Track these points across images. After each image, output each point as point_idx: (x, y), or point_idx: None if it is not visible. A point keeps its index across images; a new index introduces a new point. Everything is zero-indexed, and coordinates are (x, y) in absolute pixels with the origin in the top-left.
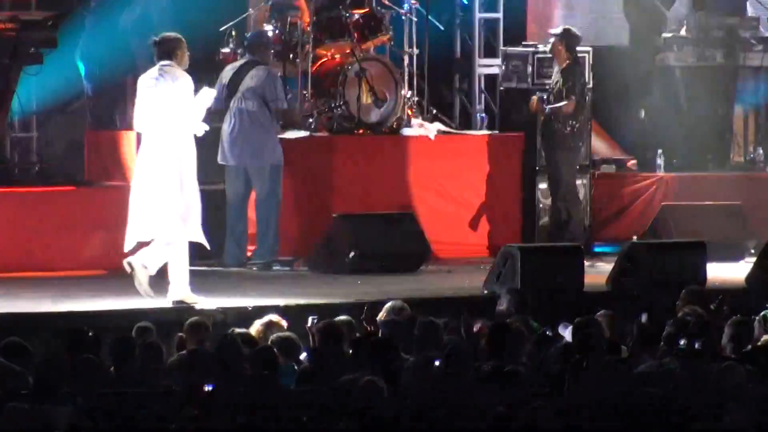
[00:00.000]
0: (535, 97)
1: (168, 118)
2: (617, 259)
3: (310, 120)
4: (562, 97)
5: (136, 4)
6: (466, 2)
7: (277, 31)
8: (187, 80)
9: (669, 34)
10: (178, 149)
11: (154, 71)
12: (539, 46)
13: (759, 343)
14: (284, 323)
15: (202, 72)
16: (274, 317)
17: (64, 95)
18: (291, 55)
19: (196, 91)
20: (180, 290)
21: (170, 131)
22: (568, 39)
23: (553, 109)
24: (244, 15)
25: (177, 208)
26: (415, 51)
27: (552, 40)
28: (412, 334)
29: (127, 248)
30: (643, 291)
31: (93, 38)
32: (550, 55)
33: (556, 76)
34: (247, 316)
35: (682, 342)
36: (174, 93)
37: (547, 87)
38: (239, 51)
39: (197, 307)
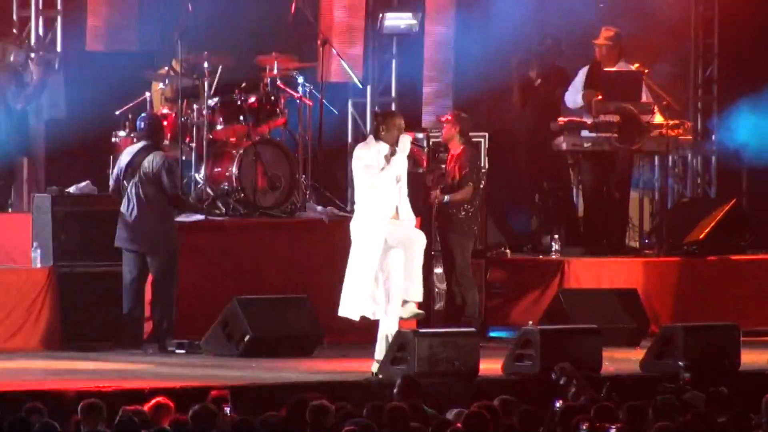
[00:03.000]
0: (434, 193)
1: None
2: (512, 344)
3: (206, 204)
4: (458, 183)
5: (30, 86)
6: (360, 86)
7: (173, 114)
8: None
9: (564, 119)
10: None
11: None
12: (433, 130)
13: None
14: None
15: (97, 155)
16: (162, 400)
17: None
18: (187, 139)
19: None
20: None
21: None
22: (461, 124)
23: (452, 198)
24: (142, 98)
25: None
26: (310, 135)
27: (444, 126)
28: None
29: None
30: (540, 376)
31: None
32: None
33: (451, 162)
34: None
35: (583, 427)
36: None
37: (442, 172)
38: (133, 135)
39: None
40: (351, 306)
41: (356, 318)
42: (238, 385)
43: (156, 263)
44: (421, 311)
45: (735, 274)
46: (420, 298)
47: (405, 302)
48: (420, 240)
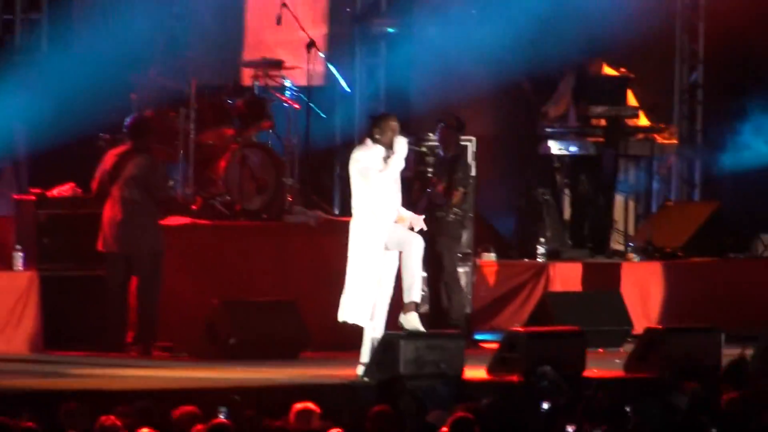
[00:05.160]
0: (436, 192)
1: None
2: (498, 347)
3: (193, 207)
4: (450, 187)
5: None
6: (347, 90)
7: (159, 117)
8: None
9: (550, 124)
10: None
11: None
12: (421, 133)
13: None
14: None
15: (81, 157)
16: (146, 404)
17: None
18: (174, 141)
19: None
20: None
21: None
22: (458, 127)
23: (444, 201)
24: (127, 100)
25: None
26: (297, 138)
27: (441, 127)
28: None
29: None
30: (525, 379)
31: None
32: (432, 143)
33: (442, 165)
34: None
35: (569, 429)
36: None
37: (429, 174)
38: (119, 137)
39: None
40: (354, 311)
41: (361, 323)
42: (224, 388)
43: (140, 266)
44: (422, 328)
45: (716, 277)
46: (419, 299)
47: (407, 309)
48: (418, 242)
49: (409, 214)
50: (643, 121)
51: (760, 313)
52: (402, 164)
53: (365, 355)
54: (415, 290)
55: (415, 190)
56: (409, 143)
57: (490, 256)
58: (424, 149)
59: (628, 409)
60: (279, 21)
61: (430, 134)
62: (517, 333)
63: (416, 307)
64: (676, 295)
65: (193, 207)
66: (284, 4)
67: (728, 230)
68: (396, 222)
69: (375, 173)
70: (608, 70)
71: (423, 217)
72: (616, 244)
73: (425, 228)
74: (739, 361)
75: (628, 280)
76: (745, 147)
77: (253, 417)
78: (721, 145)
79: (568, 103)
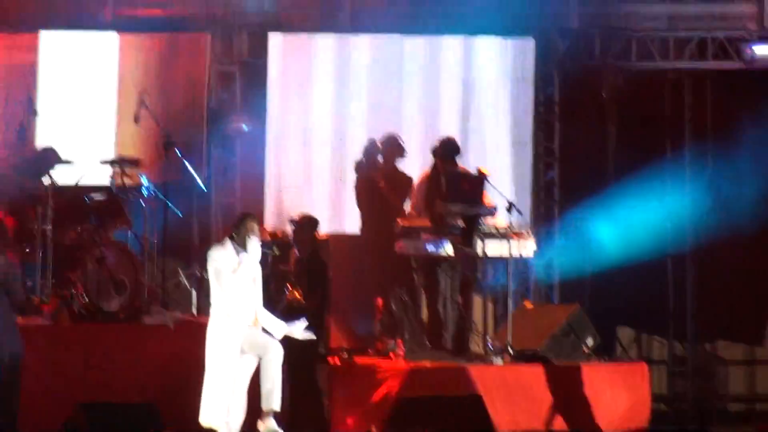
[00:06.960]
0: (291, 294)
1: None
2: None
3: (52, 309)
4: (310, 287)
5: None
6: (204, 189)
7: (15, 216)
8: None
9: (406, 222)
10: None
11: None
12: (277, 232)
13: None
14: None
15: None
16: None
17: None
18: (31, 241)
19: None
20: None
21: None
22: (312, 227)
23: (300, 303)
24: None
25: None
26: (155, 236)
27: (295, 228)
28: None
29: None
30: None
31: None
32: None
33: (299, 264)
34: None
35: None
36: None
37: (285, 274)
38: None
39: None
40: (209, 414)
41: (218, 428)
42: None
43: None
44: (279, 429)
45: (578, 380)
46: (278, 408)
47: (265, 415)
48: (276, 348)
49: (266, 321)
50: (500, 220)
51: (622, 415)
52: (255, 265)
53: None
54: (274, 397)
55: (272, 291)
56: (262, 245)
57: (347, 357)
58: (275, 250)
59: None
60: (137, 120)
61: (287, 232)
62: None
63: (275, 414)
64: (539, 399)
65: (45, 308)
66: (143, 103)
67: (590, 332)
68: (253, 325)
69: (227, 274)
70: (464, 169)
71: (293, 325)
72: (476, 345)
73: (298, 336)
74: None
75: (489, 383)
76: (600, 246)
77: None
78: (579, 244)
79: (425, 202)
